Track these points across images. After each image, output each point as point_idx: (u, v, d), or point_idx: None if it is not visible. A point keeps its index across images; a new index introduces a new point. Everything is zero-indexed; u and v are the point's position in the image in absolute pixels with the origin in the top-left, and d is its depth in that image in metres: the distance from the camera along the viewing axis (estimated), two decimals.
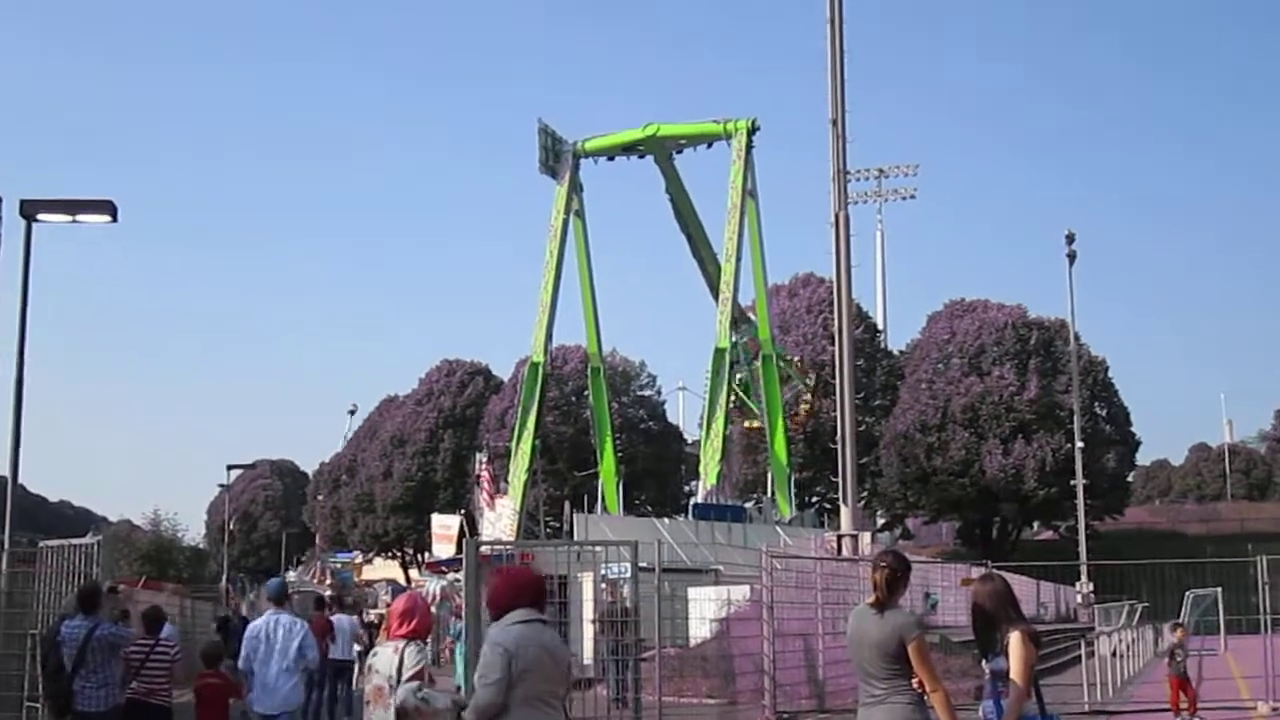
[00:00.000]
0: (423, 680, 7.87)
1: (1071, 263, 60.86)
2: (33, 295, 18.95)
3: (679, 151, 56.85)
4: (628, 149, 57.17)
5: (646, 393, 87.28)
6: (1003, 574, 9.08)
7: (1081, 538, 60.86)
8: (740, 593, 26.03)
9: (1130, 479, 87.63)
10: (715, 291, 56.36)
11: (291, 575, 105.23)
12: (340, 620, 22.08)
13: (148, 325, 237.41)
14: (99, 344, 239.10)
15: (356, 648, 22.98)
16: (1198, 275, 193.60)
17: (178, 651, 13.90)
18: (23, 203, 18.64)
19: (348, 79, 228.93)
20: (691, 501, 58.32)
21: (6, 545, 17.81)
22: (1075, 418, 64.00)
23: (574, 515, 47.67)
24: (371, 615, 42.58)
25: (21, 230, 18.81)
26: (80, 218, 19.55)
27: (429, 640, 8.40)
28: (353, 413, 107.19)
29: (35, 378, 17.80)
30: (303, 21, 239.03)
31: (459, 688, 8.10)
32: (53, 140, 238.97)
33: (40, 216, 19.05)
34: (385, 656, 8.17)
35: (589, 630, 20.38)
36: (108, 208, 19.43)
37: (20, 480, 19.02)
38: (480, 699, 6.93)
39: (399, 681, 7.91)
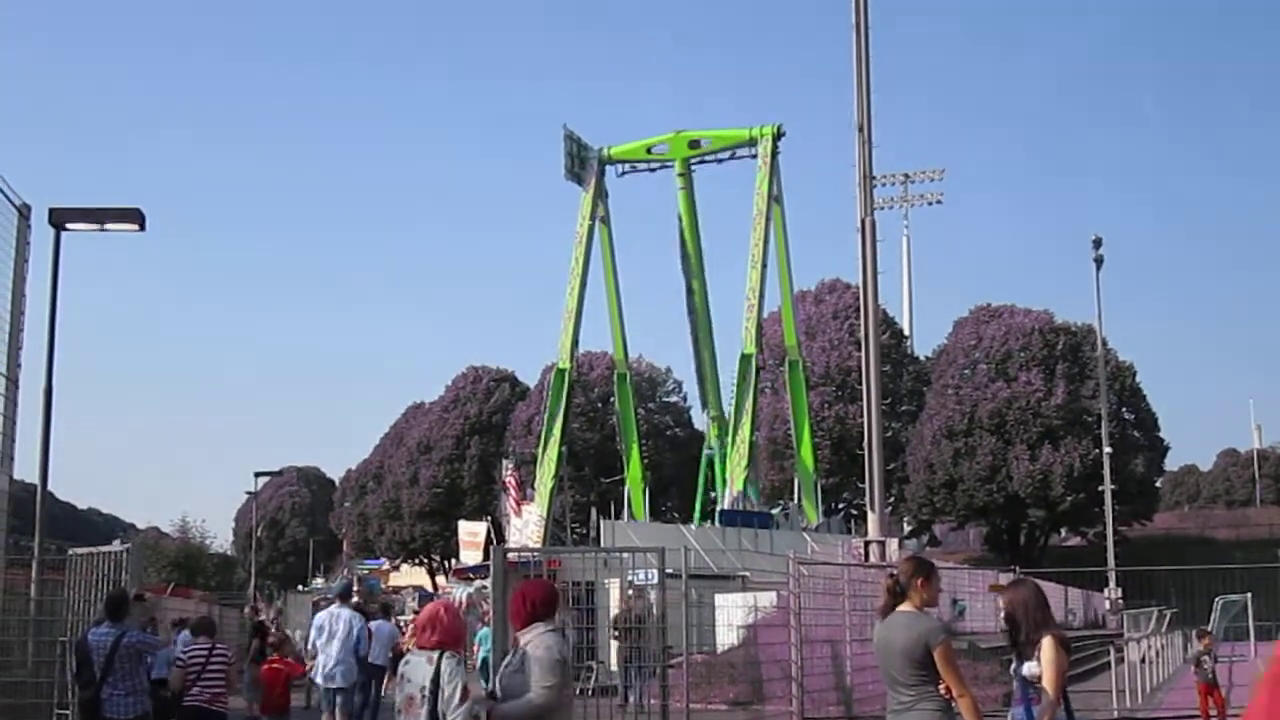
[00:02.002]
0: (470, 700, 7.91)
1: (1099, 267, 60.71)
2: (61, 302, 19.06)
3: (701, 160, 56.80)
4: (653, 156, 57.10)
5: (673, 399, 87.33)
6: (1033, 579, 9.07)
7: (1110, 543, 60.62)
8: (767, 599, 26.01)
9: (1159, 484, 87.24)
10: (694, 312, 56.96)
11: (319, 582, 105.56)
12: (380, 626, 22.10)
13: (175, 330, 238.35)
14: (127, 351, 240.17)
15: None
16: (1226, 280, 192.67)
17: (232, 657, 14.11)
18: (52, 211, 18.73)
19: (376, 85, 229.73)
20: (717, 508, 58.25)
21: (36, 553, 17.88)
22: (1103, 423, 63.79)
23: (600, 522, 47.61)
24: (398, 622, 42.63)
25: (50, 239, 18.92)
26: (109, 226, 19.64)
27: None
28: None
29: (64, 385, 17.87)
30: (329, 26, 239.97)
31: (487, 691, 8.15)
32: (78, 143, 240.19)
33: (69, 225, 19.15)
34: (417, 666, 8.18)
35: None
36: (136, 216, 19.51)
37: (49, 488, 19.11)
38: (548, 700, 7.67)
39: (434, 693, 7.93)
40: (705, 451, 58.98)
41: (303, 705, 23.32)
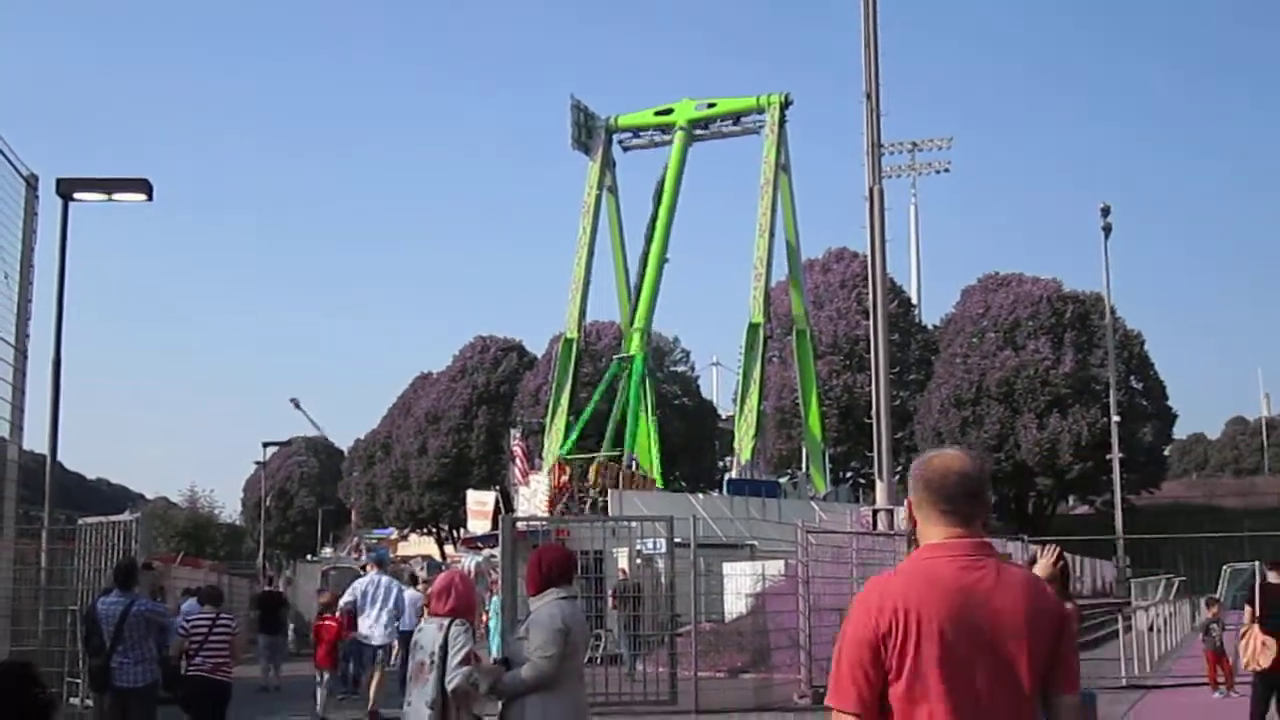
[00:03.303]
0: (472, 663, 7.92)
1: (1107, 236, 60.82)
2: (69, 273, 19.07)
3: (706, 126, 56.61)
4: (660, 119, 56.92)
5: (680, 369, 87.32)
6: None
7: (1118, 512, 60.75)
8: (775, 568, 26.04)
9: (1167, 453, 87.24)
10: (650, 241, 56.53)
11: (328, 551, 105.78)
12: (410, 593, 22.45)
13: (183, 302, 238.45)
14: (135, 321, 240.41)
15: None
16: (1235, 248, 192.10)
17: (237, 626, 14.13)
18: (59, 181, 18.71)
19: (384, 60, 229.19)
20: (726, 477, 58.27)
21: (46, 523, 17.93)
22: (1111, 392, 63.83)
23: (609, 491, 47.63)
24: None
25: (58, 209, 18.92)
26: (116, 196, 19.63)
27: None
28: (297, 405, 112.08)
29: (72, 356, 17.94)
30: (336, 9, 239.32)
31: (496, 660, 8.13)
32: (90, 121, 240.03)
33: (77, 195, 19.14)
34: (429, 633, 8.22)
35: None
36: (143, 186, 19.51)
37: (58, 458, 19.15)
38: (544, 670, 7.45)
39: (442, 659, 7.96)
40: (615, 359, 57.54)
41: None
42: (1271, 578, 13.41)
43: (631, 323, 54.71)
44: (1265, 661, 14.17)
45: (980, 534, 4.05)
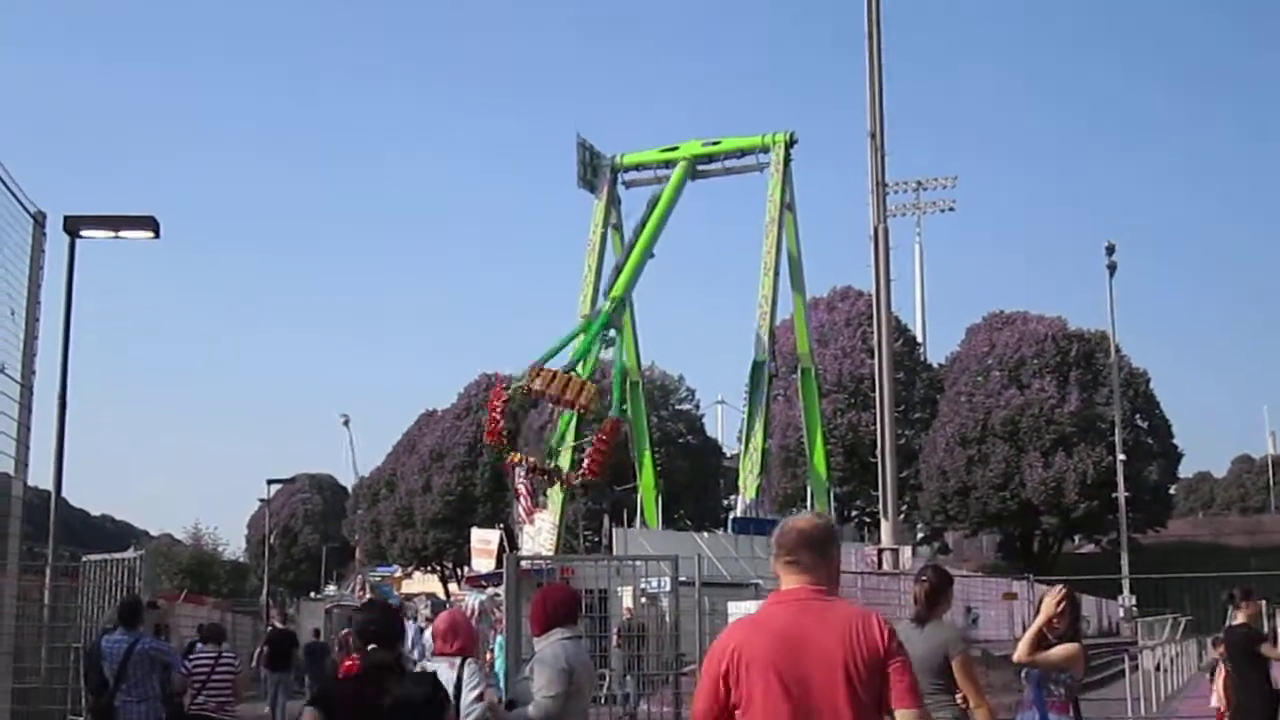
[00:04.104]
0: (487, 702, 7.92)
1: (1112, 274, 60.87)
2: (76, 310, 19.09)
3: (710, 162, 56.57)
4: (667, 162, 56.91)
5: (685, 407, 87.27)
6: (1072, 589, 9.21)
7: (1124, 551, 60.65)
8: None
9: (1172, 492, 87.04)
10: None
11: (331, 589, 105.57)
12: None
13: (187, 338, 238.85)
14: (139, 358, 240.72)
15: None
16: (1241, 286, 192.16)
17: (239, 664, 14.09)
18: (66, 218, 18.75)
19: (387, 95, 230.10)
20: (730, 515, 58.14)
21: (50, 559, 17.88)
22: (1117, 430, 63.78)
23: (613, 529, 47.61)
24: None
25: (65, 246, 18.94)
26: (123, 234, 19.66)
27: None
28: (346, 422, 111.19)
29: (77, 392, 17.91)
30: (342, 38, 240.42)
31: (501, 699, 8.14)
32: (92, 150, 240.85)
33: (83, 232, 19.17)
34: (440, 673, 8.21)
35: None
36: (150, 223, 19.54)
37: (63, 494, 19.14)
38: (549, 710, 7.49)
39: (457, 698, 7.96)
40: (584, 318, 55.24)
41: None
42: (1238, 618, 13.23)
43: (607, 294, 53.27)
44: (1215, 701, 14.15)
45: (821, 583, 4.90)
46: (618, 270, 53.16)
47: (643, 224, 53.92)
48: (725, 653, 4.80)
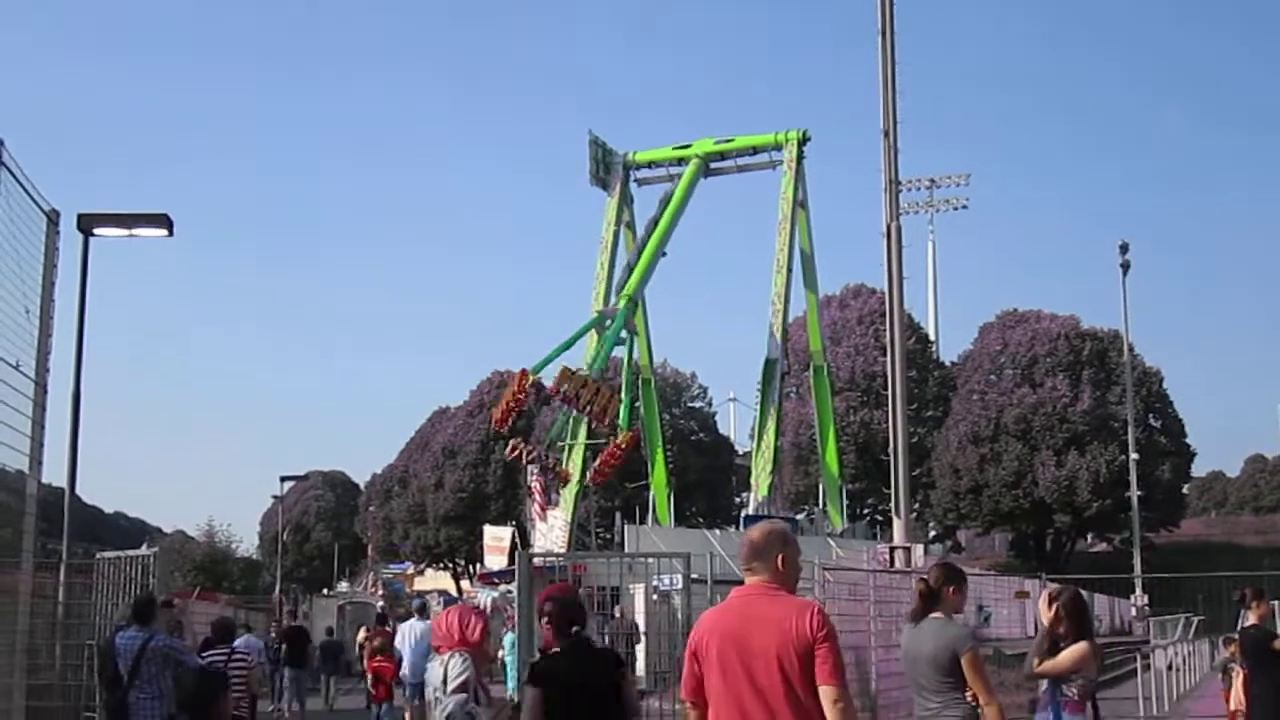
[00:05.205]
0: (468, 692, 7.95)
1: (1125, 272, 60.69)
2: (90, 308, 19.14)
3: (722, 159, 56.51)
4: (679, 160, 56.87)
5: (697, 404, 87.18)
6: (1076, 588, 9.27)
7: (1136, 550, 60.50)
8: None
9: (1185, 491, 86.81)
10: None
11: (344, 586, 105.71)
12: (419, 625, 24.11)
13: (201, 335, 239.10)
14: (153, 353, 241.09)
15: None
16: (1255, 285, 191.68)
17: (253, 660, 14.11)
18: (80, 217, 18.80)
19: (400, 93, 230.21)
20: (743, 513, 58.12)
21: (64, 556, 17.94)
22: (1129, 429, 63.64)
23: (625, 527, 47.66)
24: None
25: (79, 244, 19.00)
26: (137, 232, 19.71)
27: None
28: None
29: (91, 389, 17.98)
30: (354, 37, 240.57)
31: (511, 697, 8.21)
32: (106, 148, 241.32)
33: (97, 231, 19.22)
34: (434, 671, 8.28)
35: (642, 641, 20.35)
36: (164, 221, 19.59)
37: (77, 491, 19.19)
38: None
39: (445, 693, 8.01)
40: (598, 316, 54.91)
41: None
42: (1250, 618, 13.20)
43: (619, 290, 53.35)
44: (1233, 704, 14.10)
45: (772, 580, 6.06)
46: (630, 269, 53.15)
47: (655, 222, 53.91)
48: (700, 634, 6.12)
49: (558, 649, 7.63)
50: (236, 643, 15.13)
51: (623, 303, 51.05)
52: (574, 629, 7.68)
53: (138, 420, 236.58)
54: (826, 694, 5.82)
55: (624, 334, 51.58)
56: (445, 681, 8.06)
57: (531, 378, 45.89)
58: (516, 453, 47.71)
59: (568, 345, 48.11)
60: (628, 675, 7.93)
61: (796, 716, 5.79)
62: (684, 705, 6.24)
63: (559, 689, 7.29)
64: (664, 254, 53.73)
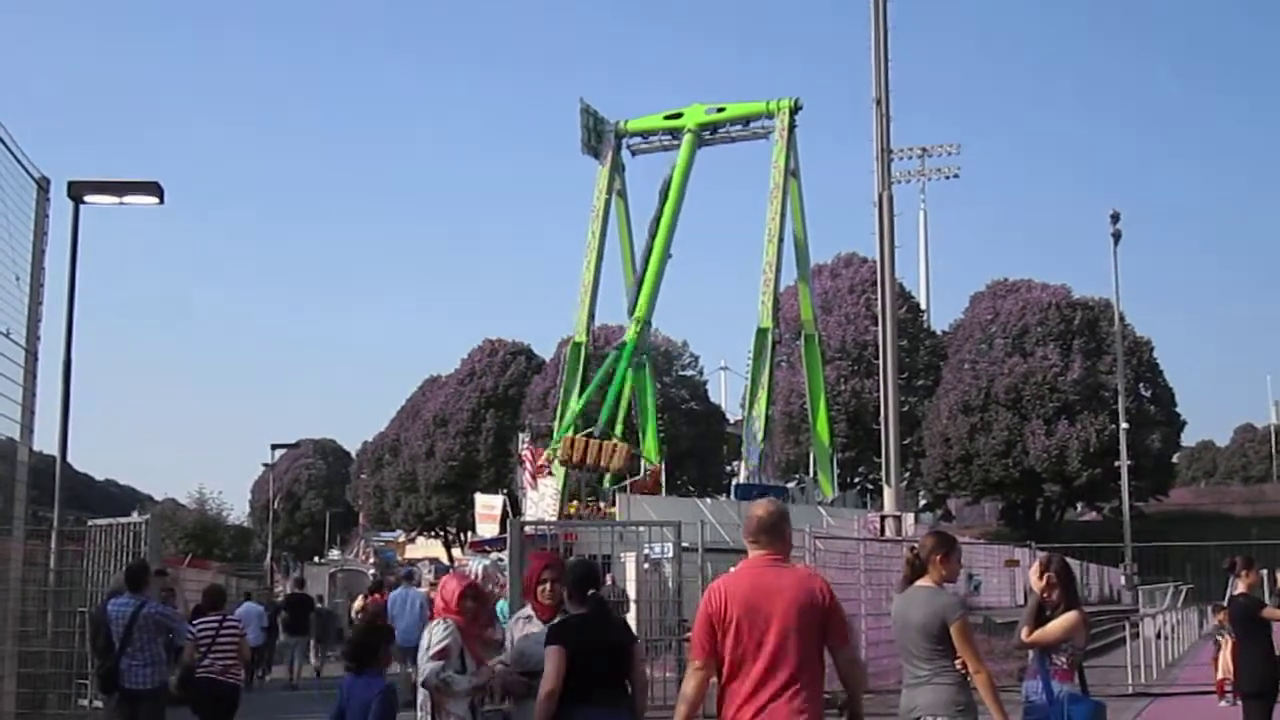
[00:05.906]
0: (447, 659, 8.01)
1: (1116, 242, 60.57)
2: (81, 276, 19.12)
3: (714, 131, 56.37)
4: (671, 130, 56.72)
5: (689, 373, 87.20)
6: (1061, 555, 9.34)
7: (1126, 519, 60.59)
8: None
9: (1175, 460, 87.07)
10: (654, 236, 55.59)
11: (335, 554, 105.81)
12: (414, 593, 24.87)
13: (192, 303, 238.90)
14: (143, 321, 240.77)
15: None
16: (1245, 255, 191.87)
17: (243, 628, 14.13)
18: (70, 184, 18.78)
19: (390, 62, 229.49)
20: (733, 482, 58.18)
21: (55, 524, 17.96)
22: (1119, 398, 63.75)
23: (616, 495, 47.64)
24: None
25: (69, 211, 18.96)
26: (127, 199, 19.68)
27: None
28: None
29: (81, 357, 17.99)
30: (343, 7, 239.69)
31: (503, 663, 8.23)
32: (96, 116, 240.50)
33: (88, 198, 19.19)
34: (424, 636, 8.36)
35: (633, 610, 20.37)
36: (154, 189, 19.55)
37: (68, 459, 19.20)
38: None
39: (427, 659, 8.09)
40: (614, 348, 56.35)
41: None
42: (1239, 587, 13.25)
43: (631, 313, 54.21)
44: (1220, 672, 14.14)
45: (778, 553, 6.69)
46: (639, 284, 53.45)
47: (656, 220, 54.03)
48: (719, 598, 6.54)
49: (583, 610, 7.72)
50: (238, 610, 15.22)
51: (635, 328, 52.06)
52: (589, 591, 7.84)
53: (129, 388, 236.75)
54: (844, 655, 6.63)
55: (640, 357, 52.99)
56: (428, 648, 8.13)
57: (545, 455, 48.57)
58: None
59: (598, 382, 50.96)
60: (638, 649, 8.13)
61: (806, 673, 6.39)
62: (695, 665, 6.62)
63: (584, 649, 7.45)
64: (669, 255, 53.96)
